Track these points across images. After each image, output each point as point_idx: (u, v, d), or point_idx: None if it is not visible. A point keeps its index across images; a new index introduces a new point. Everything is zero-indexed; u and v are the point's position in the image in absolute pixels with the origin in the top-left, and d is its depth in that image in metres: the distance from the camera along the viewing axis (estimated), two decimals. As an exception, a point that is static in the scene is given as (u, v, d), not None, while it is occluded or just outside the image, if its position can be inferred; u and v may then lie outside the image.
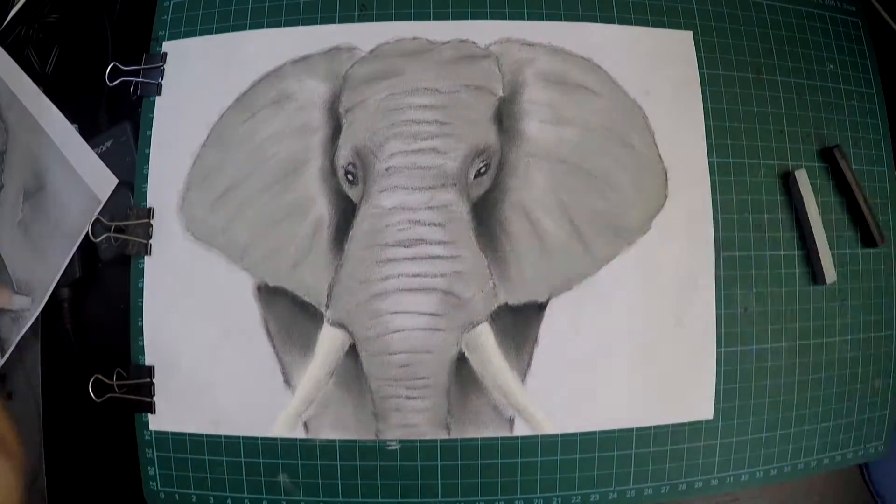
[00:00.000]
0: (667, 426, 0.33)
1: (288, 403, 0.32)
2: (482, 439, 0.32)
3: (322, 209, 0.33)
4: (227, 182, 0.34)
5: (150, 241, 0.34)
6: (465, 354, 0.32)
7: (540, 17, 0.35)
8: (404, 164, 0.33)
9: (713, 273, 0.34)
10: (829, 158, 0.36)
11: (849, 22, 0.39)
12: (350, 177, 0.33)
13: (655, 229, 0.34)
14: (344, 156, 0.33)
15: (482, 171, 0.33)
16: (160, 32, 0.36)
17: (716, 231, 0.34)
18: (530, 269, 0.33)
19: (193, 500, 0.33)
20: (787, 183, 0.36)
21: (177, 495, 0.33)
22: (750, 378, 0.34)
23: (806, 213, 0.35)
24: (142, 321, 0.33)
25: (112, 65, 0.35)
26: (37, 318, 0.35)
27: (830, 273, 0.35)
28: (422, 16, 0.35)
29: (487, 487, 0.32)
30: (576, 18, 0.35)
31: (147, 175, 0.34)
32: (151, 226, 0.34)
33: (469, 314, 0.32)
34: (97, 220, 0.35)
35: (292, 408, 0.32)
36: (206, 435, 0.33)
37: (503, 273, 0.33)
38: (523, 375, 0.32)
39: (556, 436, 0.32)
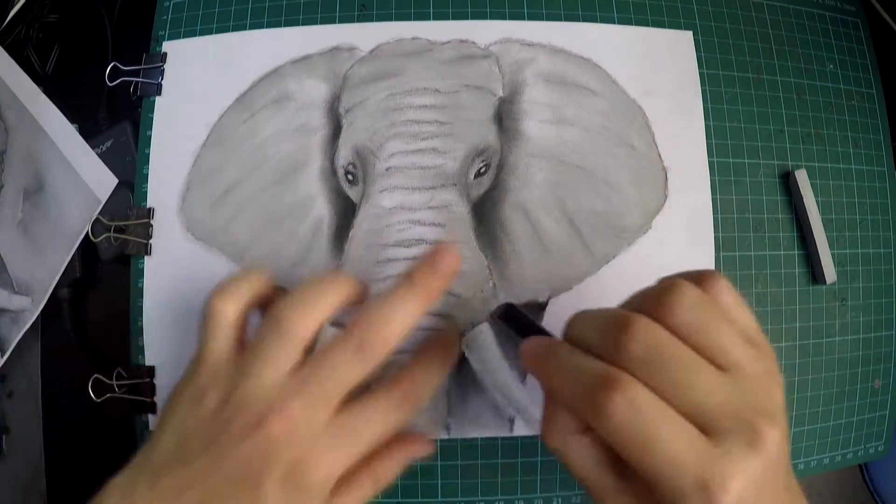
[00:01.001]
0: (667, 426, 0.33)
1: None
2: (482, 439, 0.32)
3: (322, 209, 0.33)
4: (228, 182, 0.34)
5: (150, 241, 0.34)
6: (465, 354, 0.32)
7: (540, 17, 0.35)
8: (404, 164, 0.33)
9: (713, 273, 0.34)
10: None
11: (849, 22, 0.39)
12: (350, 177, 0.33)
13: (655, 229, 0.34)
14: (344, 156, 0.33)
15: (482, 171, 0.33)
16: (160, 32, 0.36)
17: (716, 231, 0.34)
18: (530, 269, 0.33)
19: (193, 500, 0.33)
20: (787, 183, 0.36)
21: (177, 495, 0.33)
22: (750, 378, 0.34)
23: (806, 213, 0.35)
24: (142, 321, 0.33)
25: (112, 65, 0.35)
26: (37, 318, 0.35)
27: (830, 273, 0.35)
28: (422, 16, 0.35)
29: (487, 487, 0.32)
30: (576, 18, 0.35)
31: (147, 175, 0.34)
32: (151, 226, 0.34)
33: (469, 314, 0.32)
34: (97, 220, 0.35)
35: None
36: (206, 435, 0.33)
37: (503, 273, 0.33)
38: (523, 375, 0.32)
39: (556, 436, 0.32)
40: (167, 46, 0.36)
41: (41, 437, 0.36)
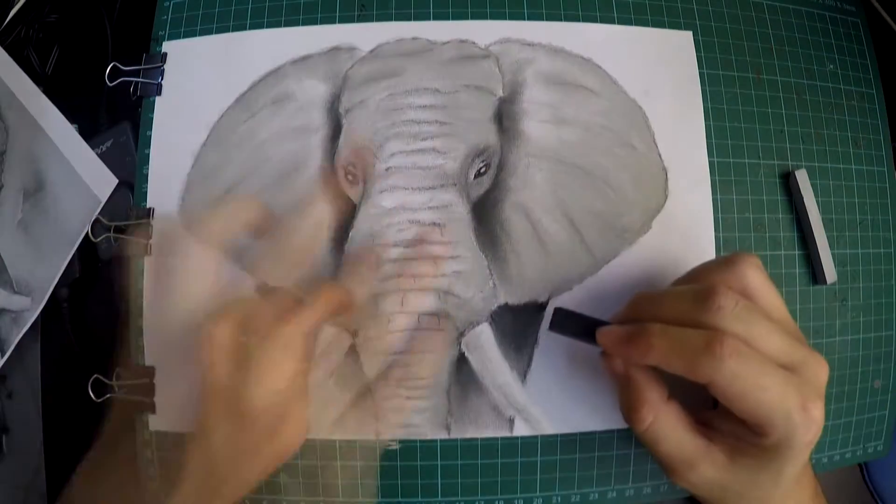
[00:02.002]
0: (667, 426, 0.33)
1: (288, 403, 0.32)
2: (482, 439, 0.32)
3: (322, 209, 0.33)
4: (228, 182, 0.34)
5: (150, 242, 0.34)
6: (465, 354, 0.32)
7: (540, 17, 0.35)
8: (404, 164, 0.33)
9: (713, 273, 0.34)
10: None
11: (849, 22, 0.39)
12: (350, 177, 0.33)
13: (656, 229, 0.34)
14: (344, 156, 0.33)
15: (482, 171, 0.33)
16: (160, 32, 0.36)
17: (716, 231, 0.34)
18: (530, 269, 0.33)
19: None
20: (787, 183, 0.36)
21: (177, 495, 0.33)
22: (750, 378, 0.34)
23: (806, 213, 0.35)
24: (142, 321, 0.33)
25: (112, 65, 0.35)
26: (37, 318, 0.35)
27: (830, 273, 0.35)
28: (422, 16, 0.35)
29: (487, 487, 0.32)
30: (576, 18, 0.35)
31: (147, 175, 0.34)
32: (151, 226, 0.34)
33: (469, 314, 0.32)
34: (97, 220, 0.35)
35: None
36: (206, 435, 0.33)
37: (503, 273, 0.33)
38: (523, 375, 0.32)
39: (556, 436, 0.32)
40: (167, 46, 0.36)
41: (41, 437, 0.36)
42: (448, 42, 0.35)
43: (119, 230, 0.34)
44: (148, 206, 0.34)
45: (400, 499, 0.32)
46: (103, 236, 0.34)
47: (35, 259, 0.36)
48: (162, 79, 0.35)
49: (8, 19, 0.39)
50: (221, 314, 0.27)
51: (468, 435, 0.32)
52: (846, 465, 0.36)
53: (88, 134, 0.36)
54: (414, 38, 0.35)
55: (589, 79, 0.34)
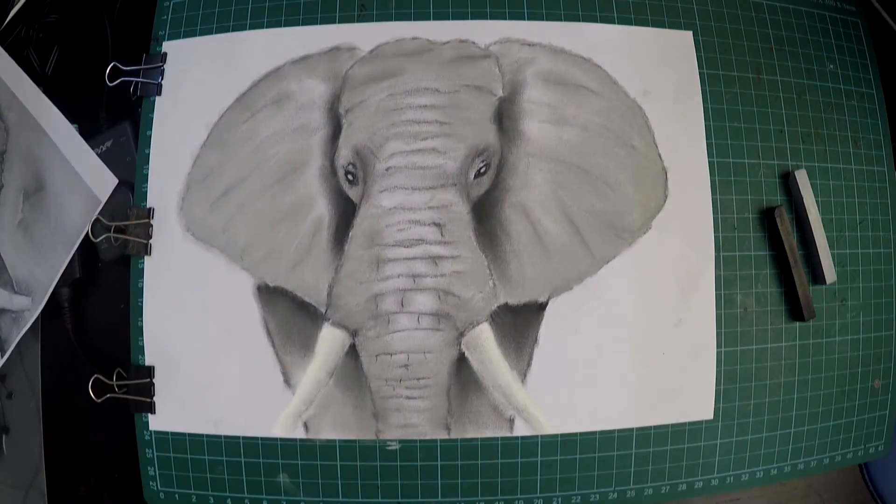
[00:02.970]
0: (667, 426, 0.33)
1: (288, 403, 0.32)
2: (482, 439, 0.32)
3: (322, 209, 0.33)
4: (227, 182, 0.34)
5: (150, 242, 0.34)
6: (465, 354, 0.32)
7: (540, 17, 0.35)
8: (404, 164, 0.33)
9: (713, 273, 0.34)
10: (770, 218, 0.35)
11: (849, 22, 0.39)
12: (350, 177, 0.33)
13: (655, 229, 0.34)
14: (344, 156, 0.33)
15: (482, 171, 0.33)
16: (160, 32, 0.36)
17: (716, 231, 0.34)
18: (530, 269, 0.33)
19: (193, 500, 0.33)
20: (787, 183, 0.36)
21: (177, 495, 0.33)
22: (750, 378, 0.34)
23: (806, 213, 0.35)
24: (142, 321, 0.33)
25: (112, 65, 0.35)
26: (37, 318, 0.35)
27: (830, 273, 0.35)
28: (422, 16, 0.35)
29: (487, 487, 0.32)
30: (576, 18, 0.35)
31: (147, 175, 0.34)
32: (151, 226, 0.34)
33: (469, 314, 0.32)
34: (97, 220, 0.35)
35: (292, 408, 0.32)
36: (206, 435, 0.33)
37: (503, 273, 0.33)
38: (523, 375, 0.32)
39: (556, 436, 0.32)
40: (167, 46, 0.36)
41: (41, 437, 0.36)
42: (448, 42, 0.35)
43: (119, 230, 0.34)
44: (148, 206, 0.34)
45: (400, 499, 0.32)
46: (103, 236, 0.34)
47: (35, 259, 0.36)
48: (162, 79, 0.35)
49: (8, 19, 0.39)
50: None
51: (468, 435, 0.32)
52: (846, 466, 0.36)
53: (88, 134, 0.36)
54: (414, 38, 0.35)
55: (589, 79, 0.34)
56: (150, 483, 0.33)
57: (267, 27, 0.35)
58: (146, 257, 0.34)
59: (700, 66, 0.36)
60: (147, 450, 0.33)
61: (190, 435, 0.33)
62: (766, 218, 0.35)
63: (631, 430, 0.33)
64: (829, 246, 0.35)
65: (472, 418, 0.32)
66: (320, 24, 0.35)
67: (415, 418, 0.32)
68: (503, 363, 0.32)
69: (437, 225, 0.32)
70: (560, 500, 0.33)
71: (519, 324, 0.32)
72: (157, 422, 0.33)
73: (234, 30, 0.35)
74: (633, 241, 0.33)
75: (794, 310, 0.35)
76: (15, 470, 0.36)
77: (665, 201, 0.34)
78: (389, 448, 0.32)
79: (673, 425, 0.33)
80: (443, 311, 0.32)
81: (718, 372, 0.34)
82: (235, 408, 0.33)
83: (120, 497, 0.35)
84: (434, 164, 0.33)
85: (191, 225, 0.34)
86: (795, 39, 0.38)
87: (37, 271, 0.36)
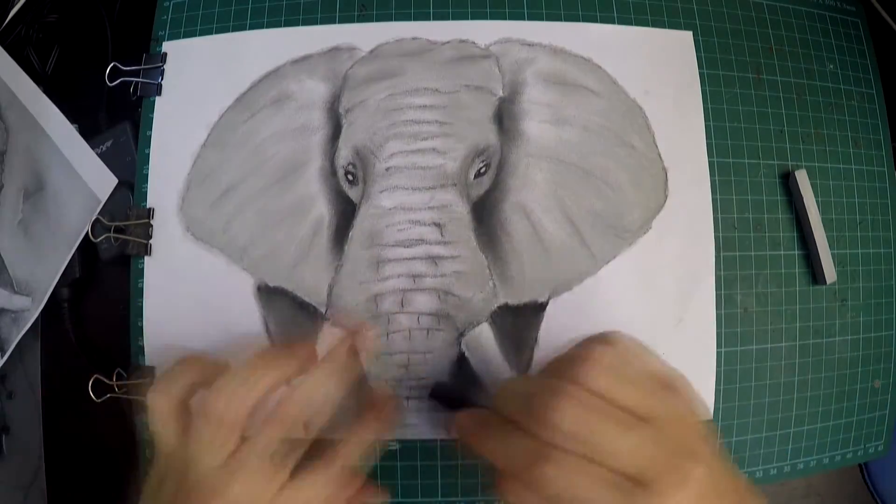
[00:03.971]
0: (667, 426, 0.33)
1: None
2: (482, 439, 0.32)
3: (322, 209, 0.33)
4: (227, 182, 0.34)
5: (150, 242, 0.34)
6: (465, 354, 0.32)
7: (540, 17, 0.35)
8: (404, 164, 0.33)
9: (713, 273, 0.34)
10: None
11: (849, 22, 0.39)
12: (350, 177, 0.33)
13: (655, 229, 0.34)
14: (344, 156, 0.33)
15: (482, 171, 0.33)
16: (160, 32, 0.36)
17: (716, 231, 0.34)
18: (530, 269, 0.33)
19: (193, 500, 0.33)
20: (787, 183, 0.36)
21: (177, 495, 0.33)
22: (750, 378, 0.34)
23: (806, 213, 0.35)
24: (142, 321, 0.33)
25: (112, 65, 0.35)
26: (37, 318, 0.35)
27: (830, 273, 0.35)
28: (422, 16, 0.35)
29: (487, 487, 0.32)
30: (576, 18, 0.35)
31: (147, 175, 0.34)
32: (151, 226, 0.34)
33: (469, 314, 0.32)
34: (97, 220, 0.35)
35: (292, 408, 0.32)
36: (206, 435, 0.33)
37: (503, 273, 0.33)
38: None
39: (556, 436, 0.32)
40: (167, 46, 0.36)
41: (41, 437, 0.36)
42: (448, 42, 0.35)
43: (119, 230, 0.34)
44: (148, 206, 0.34)
45: (400, 499, 0.32)
46: (103, 236, 0.34)
47: (35, 259, 0.36)
48: (162, 79, 0.35)
49: (8, 19, 0.39)
50: (163, 387, 0.26)
51: (468, 435, 0.32)
52: (846, 466, 0.36)
53: (88, 134, 0.36)
54: (414, 38, 0.35)
55: (589, 79, 0.34)
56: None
57: (267, 27, 0.35)
58: (146, 257, 0.34)
59: (700, 66, 0.36)
60: (147, 450, 0.33)
61: (190, 435, 0.33)
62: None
63: (631, 430, 0.33)
64: (829, 246, 0.35)
65: (472, 418, 0.32)
66: (320, 24, 0.35)
67: (415, 418, 0.32)
68: (503, 363, 0.32)
69: (437, 225, 0.32)
70: (560, 500, 0.33)
71: (519, 324, 0.32)
72: (157, 422, 0.33)
73: (234, 30, 0.35)
74: (633, 241, 0.33)
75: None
76: (15, 470, 0.36)
77: (665, 201, 0.34)
78: (389, 448, 0.32)
79: (673, 425, 0.33)
80: (443, 312, 0.32)
81: (718, 372, 0.34)
82: (235, 408, 0.33)
83: (120, 497, 0.35)
84: (434, 164, 0.33)
85: (191, 225, 0.34)
86: (795, 39, 0.38)
87: (37, 271, 0.36)
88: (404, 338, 0.32)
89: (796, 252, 0.36)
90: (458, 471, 0.32)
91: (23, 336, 0.35)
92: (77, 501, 0.36)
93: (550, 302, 0.33)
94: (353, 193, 0.33)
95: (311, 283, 0.33)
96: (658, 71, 0.35)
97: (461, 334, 0.32)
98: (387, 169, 0.33)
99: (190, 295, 0.33)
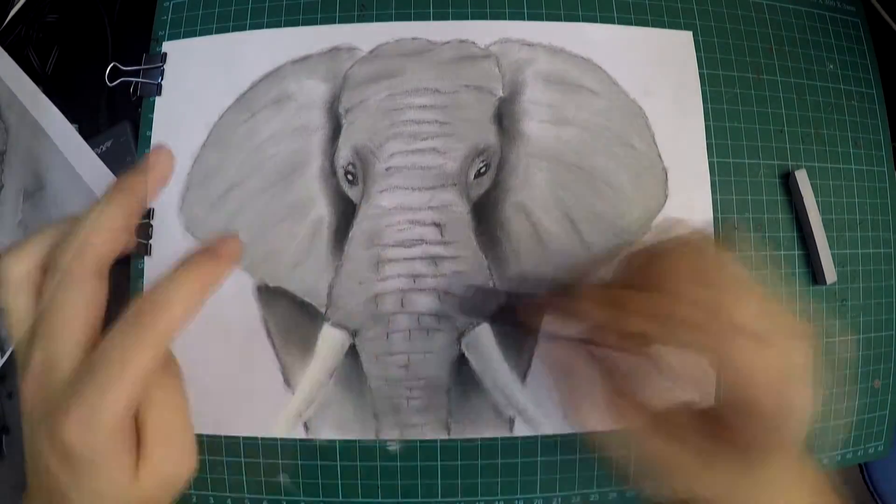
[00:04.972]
0: (667, 426, 0.33)
1: (288, 404, 0.32)
2: (482, 439, 0.32)
3: (322, 209, 0.33)
4: (227, 182, 0.34)
5: (150, 242, 0.34)
6: (465, 354, 0.32)
7: (540, 18, 0.35)
8: (404, 164, 0.33)
9: (713, 273, 0.34)
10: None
11: (849, 22, 0.39)
12: (350, 177, 0.33)
13: (656, 229, 0.33)
14: (344, 156, 0.33)
15: (482, 171, 0.33)
16: (160, 32, 0.36)
17: (716, 231, 0.34)
18: (530, 269, 0.33)
19: (193, 500, 0.33)
20: (787, 183, 0.36)
21: (177, 495, 0.33)
22: (750, 378, 0.34)
23: (806, 213, 0.35)
24: (142, 321, 0.33)
25: (112, 65, 0.35)
26: (37, 318, 0.35)
27: (830, 273, 0.35)
28: (422, 16, 0.35)
29: (487, 487, 0.32)
30: (576, 18, 0.35)
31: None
32: (151, 226, 0.34)
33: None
34: (97, 220, 0.34)
35: (292, 408, 0.32)
36: (206, 435, 0.33)
37: (503, 273, 0.33)
38: (523, 375, 0.32)
39: (556, 436, 0.32)
40: (167, 46, 0.36)
41: (41, 437, 0.36)
42: (448, 42, 0.35)
43: (119, 230, 0.34)
44: (148, 207, 0.34)
45: (400, 499, 0.32)
46: (103, 236, 0.34)
47: (35, 259, 0.36)
48: (162, 79, 0.35)
49: (8, 19, 0.39)
50: (15, 250, 0.24)
51: (468, 435, 0.32)
52: (846, 466, 0.36)
53: (88, 134, 0.36)
54: (414, 39, 0.35)
55: (589, 79, 0.34)
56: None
57: (267, 27, 0.35)
58: (146, 257, 0.34)
59: (700, 66, 0.36)
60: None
61: (190, 435, 0.33)
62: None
63: (631, 430, 0.33)
64: (829, 246, 0.35)
65: (472, 418, 0.32)
66: (320, 24, 0.35)
67: (415, 418, 0.32)
68: (503, 363, 0.32)
69: (438, 225, 0.32)
70: (560, 500, 0.33)
71: (519, 324, 0.32)
72: (157, 422, 0.33)
73: (234, 30, 0.35)
74: (633, 241, 0.33)
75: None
76: (15, 470, 0.36)
77: (665, 201, 0.34)
78: (389, 448, 0.32)
79: (673, 425, 0.33)
80: (443, 312, 0.32)
81: (718, 372, 0.34)
82: (235, 408, 0.33)
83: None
84: (434, 164, 0.33)
85: (191, 225, 0.34)
86: (795, 39, 0.38)
87: (37, 271, 0.36)
88: (404, 338, 0.32)
89: (796, 252, 0.36)
90: (458, 471, 0.32)
91: (23, 336, 0.35)
92: (77, 501, 0.36)
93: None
94: (353, 193, 0.33)
95: (311, 283, 0.33)
96: (658, 71, 0.35)
97: (461, 334, 0.32)
98: (387, 169, 0.33)
99: (190, 295, 0.33)
